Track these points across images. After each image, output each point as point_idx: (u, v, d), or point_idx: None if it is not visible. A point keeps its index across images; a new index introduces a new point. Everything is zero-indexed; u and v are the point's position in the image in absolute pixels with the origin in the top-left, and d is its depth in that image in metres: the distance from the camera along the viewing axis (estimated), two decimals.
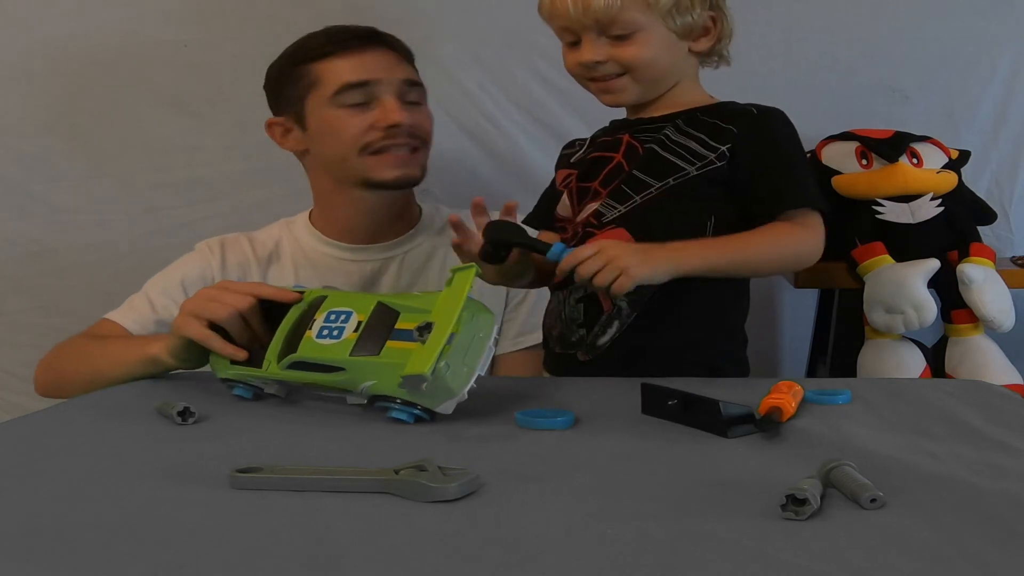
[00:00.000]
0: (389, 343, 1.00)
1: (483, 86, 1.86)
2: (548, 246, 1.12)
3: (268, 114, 1.53)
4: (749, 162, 1.22)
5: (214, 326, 1.13)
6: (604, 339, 1.21)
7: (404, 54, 1.49)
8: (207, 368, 1.18)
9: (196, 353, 1.17)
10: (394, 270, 1.51)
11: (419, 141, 1.46)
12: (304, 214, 1.56)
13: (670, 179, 1.22)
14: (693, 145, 1.23)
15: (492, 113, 1.86)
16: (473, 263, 1.03)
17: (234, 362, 1.11)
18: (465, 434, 0.94)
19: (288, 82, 1.47)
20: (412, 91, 1.47)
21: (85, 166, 1.90)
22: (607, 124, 1.36)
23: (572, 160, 1.36)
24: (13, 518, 0.72)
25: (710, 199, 1.22)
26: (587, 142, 1.36)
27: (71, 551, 0.65)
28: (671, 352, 1.22)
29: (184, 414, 0.99)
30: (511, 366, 1.46)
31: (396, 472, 0.76)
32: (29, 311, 1.93)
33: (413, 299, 1.04)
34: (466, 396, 0.97)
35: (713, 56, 1.30)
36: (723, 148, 1.21)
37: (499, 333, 1.48)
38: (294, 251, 1.53)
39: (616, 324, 1.20)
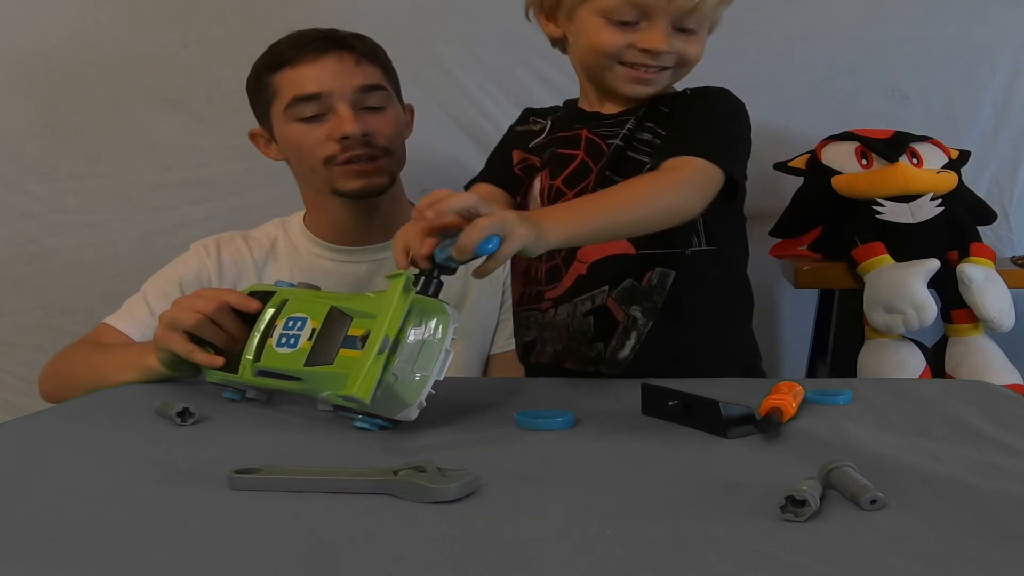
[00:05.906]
0: (342, 351, 0.97)
1: (483, 86, 1.86)
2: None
3: None
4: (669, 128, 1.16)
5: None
6: (625, 352, 1.18)
7: (368, 54, 1.43)
8: None
9: (186, 363, 1.16)
10: (388, 271, 1.50)
11: (378, 150, 1.42)
12: (299, 214, 1.56)
13: None
14: (648, 137, 1.18)
15: (492, 113, 1.86)
16: (404, 271, 0.97)
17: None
18: (464, 435, 0.94)
19: (257, 93, 1.47)
20: (371, 96, 1.42)
21: (85, 166, 1.90)
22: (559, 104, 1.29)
23: (531, 145, 1.26)
24: (13, 518, 0.72)
25: None
26: (546, 127, 1.28)
27: (71, 551, 0.65)
28: (701, 353, 1.20)
29: (184, 415, 0.99)
30: (503, 366, 1.46)
31: (395, 473, 0.76)
32: (29, 311, 1.93)
33: (365, 302, 1.01)
34: (424, 403, 0.93)
35: None
36: (664, 134, 1.17)
37: (494, 334, 1.48)
38: (289, 252, 1.52)
39: (634, 335, 1.17)
